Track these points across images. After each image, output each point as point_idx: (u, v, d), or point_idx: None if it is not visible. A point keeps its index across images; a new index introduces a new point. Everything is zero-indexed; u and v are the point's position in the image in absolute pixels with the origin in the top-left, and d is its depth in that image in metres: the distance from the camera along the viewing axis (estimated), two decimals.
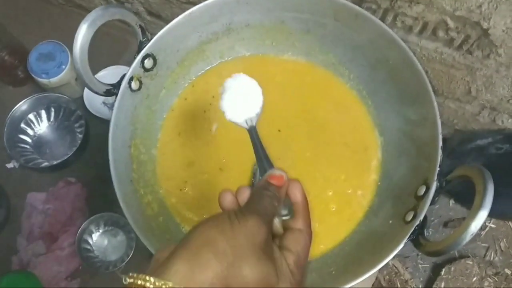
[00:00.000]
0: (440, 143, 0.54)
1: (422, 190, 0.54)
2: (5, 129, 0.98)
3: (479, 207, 0.46)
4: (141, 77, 0.60)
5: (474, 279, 0.89)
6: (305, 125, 0.65)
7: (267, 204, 0.38)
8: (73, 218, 0.98)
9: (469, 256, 0.84)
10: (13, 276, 0.92)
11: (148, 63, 0.61)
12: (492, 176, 0.81)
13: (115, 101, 0.58)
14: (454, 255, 0.91)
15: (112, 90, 0.58)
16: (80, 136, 0.97)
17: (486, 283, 0.90)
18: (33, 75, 0.95)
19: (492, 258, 0.88)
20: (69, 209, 0.98)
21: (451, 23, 0.64)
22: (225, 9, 0.62)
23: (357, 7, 0.60)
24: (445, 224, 0.93)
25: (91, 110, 0.91)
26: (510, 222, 0.94)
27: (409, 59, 0.58)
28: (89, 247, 0.97)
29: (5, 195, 1.00)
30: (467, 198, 0.95)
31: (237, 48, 0.67)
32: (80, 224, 0.96)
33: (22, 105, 1.00)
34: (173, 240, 0.58)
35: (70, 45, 0.93)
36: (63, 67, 0.85)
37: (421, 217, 0.52)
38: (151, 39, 0.60)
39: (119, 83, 0.59)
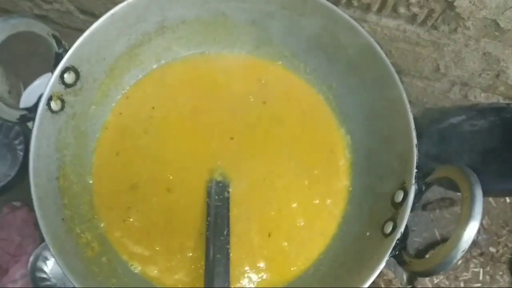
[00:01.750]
0: (415, 141, 0.48)
1: (400, 196, 0.48)
2: None
3: (469, 217, 0.40)
4: (62, 95, 0.51)
5: (460, 262, 0.86)
6: (261, 129, 0.57)
7: None
8: (23, 246, 0.92)
9: None
10: None
11: (69, 77, 0.52)
12: (469, 155, 0.77)
13: (32, 127, 0.49)
14: (436, 238, 0.88)
15: (27, 115, 0.49)
16: (21, 153, 0.89)
17: (472, 265, 0.87)
18: None
19: (476, 238, 0.85)
20: (17, 237, 0.91)
21: None
22: (153, 6, 0.53)
23: None
24: (424, 207, 0.90)
25: (30, 125, 0.82)
26: (490, 198, 0.92)
27: (368, 44, 0.51)
28: (45, 275, 0.91)
29: None
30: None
31: (175, 48, 0.58)
32: (32, 252, 0.89)
33: None
34: (120, 284, 0.50)
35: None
36: None
37: (402, 229, 0.46)
38: (69, 49, 0.50)
39: (35, 105, 0.49)
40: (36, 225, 0.91)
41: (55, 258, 0.47)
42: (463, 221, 0.40)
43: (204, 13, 0.56)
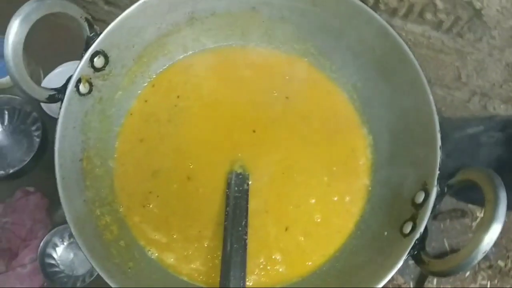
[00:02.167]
0: (439, 142, 0.48)
1: (421, 196, 0.48)
2: None
3: (492, 219, 0.40)
4: (91, 78, 0.52)
5: (468, 273, 0.86)
6: (283, 123, 0.57)
7: None
8: (34, 231, 0.92)
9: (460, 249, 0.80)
10: None
11: (98, 61, 0.52)
12: (485, 166, 0.76)
13: (60, 108, 0.49)
14: (445, 249, 0.87)
15: (56, 96, 0.50)
16: (38, 140, 0.90)
17: (480, 277, 0.86)
18: None
19: None
20: (29, 221, 0.92)
21: (440, 4, 0.60)
22: None
23: None
24: (435, 217, 0.90)
25: (48, 112, 0.83)
26: None
27: (398, 47, 0.51)
28: (53, 261, 0.91)
29: None
30: (460, 191, 0.91)
31: (203, 40, 0.59)
32: (42, 237, 0.89)
33: None
34: (137, 269, 0.50)
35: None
36: None
37: (421, 229, 0.46)
38: (101, 33, 0.51)
39: (64, 86, 0.50)
40: (48, 210, 0.91)
41: (75, 238, 0.47)
42: (485, 223, 0.40)
43: (234, 7, 0.57)
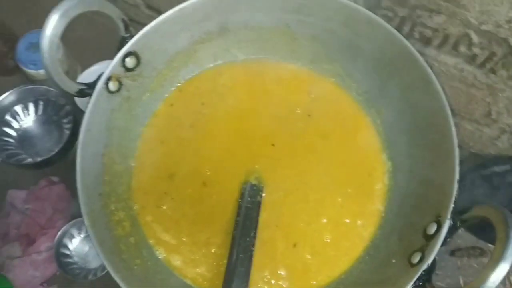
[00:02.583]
0: (457, 176, 0.47)
1: (433, 228, 0.47)
2: None
3: (500, 258, 0.39)
4: (121, 77, 0.54)
5: None
6: (302, 140, 0.58)
7: None
8: (53, 220, 0.94)
9: None
10: None
11: (130, 62, 0.54)
12: (508, 206, 0.75)
13: (88, 103, 0.51)
14: (460, 286, 0.85)
15: (86, 91, 0.52)
16: (68, 132, 0.92)
17: None
18: (20, 65, 0.90)
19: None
20: (50, 210, 0.94)
21: (475, 38, 0.60)
22: (221, 6, 0.55)
23: (370, 13, 0.53)
24: (452, 253, 0.88)
25: (81, 107, 0.85)
26: None
27: (426, 76, 0.51)
28: (68, 252, 0.92)
29: None
30: (479, 228, 0.89)
31: (233, 51, 0.60)
32: (60, 227, 0.91)
33: (9, 96, 0.95)
34: (143, 267, 0.51)
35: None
36: None
37: (429, 261, 0.45)
38: (135, 35, 0.53)
39: (95, 82, 0.52)
40: (69, 202, 0.94)
41: (87, 229, 0.49)
42: (493, 261, 0.39)
43: (268, 21, 0.58)
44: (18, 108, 0.97)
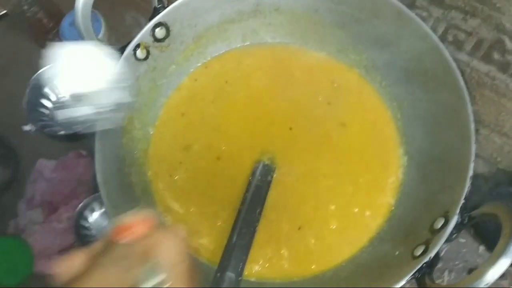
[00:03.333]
0: (471, 172, 0.46)
1: (440, 223, 0.46)
2: (28, 90, 0.97)
3: (501, 253, 0.38)
4: (149, 46, 0.55)
5: None
6: (320, 127, 0.58)
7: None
8: (76, 192, 0.96)
9: None
10: (6, 240, 0.91)
11: (160, 32, 0.56)
12: None
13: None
14: None
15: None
16: None
17: None
18: (62, 39, 0.93)
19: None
20: (75, 181, 0.96)
21: (509, 44, 0.59)
22: None
23: (402, 5, 0.53)
24: (470, 271, 0.85)
25: None
26: None
27: (452, 77, 0.50)
28: (87, 224, 0.94)
29: (16, 157, 0.99)
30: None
31: (262, 33, 0.61)
32: (83, 199, 0.93)
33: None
34: None
35: (106, 14, 0.90)
36: None
37: (432, 254, 0.44)
38: (167, 6, 0.54)
39: (123, 48, 0.54)
40: (94, 176, 0.96)
41: (99, 186, 0.50)
42: (495, 255, 0.38)
43: (298, 6, 0.58)
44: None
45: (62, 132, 0.98)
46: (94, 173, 0.96)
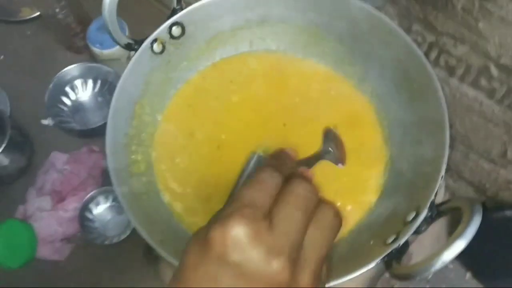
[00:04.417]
0: (442, 173, 0.51)
1: (411, 216, 0.51)
2: (50, 87, 1.04)
3: (458, 236, 0.42)
4: (165, 42, 0.62)
5: None
6: (312, 126, 0.63)
7: None
8: (85, 184, 1.01)
9: None
10: (13, 224, 0.95)
11: (176, 30, 0.62)
12: None
13: (133, 55, 0.59)
14: None
15: (133, 45, 0.60)
16: None
17: None
18: (88, 43, 1.00)
19: None
20: (84, 174, 1.01)
21: (494, 71, 0.61)
22: (262, 1, 0.63)
23: (392, 23, 0.58)
24: None
25: None
26: None
27: (432, 86, 0.55)
28: (92, 216, 0.99)
29: (31, 147, 1.05)
30: (486, 274, 0.88)
31: (268, 41, 0.67)
32: (90, 192, 0.98)
33: (73, 70, 1.06)
34: (147, 203, 0.57)
35: (131, 23, 0.97)
36: None
37: (401, 242, 0.49)
38: (184, 8, 0.61)
39: (142, 41, 0.60)
40: (103, 171, 1.02)
41: (107, 157, 0.55)
42: (452, 238, 0.42)
43: (300, 20, 0.64)
44: (78, 82, 1.08)
45: (77, 128, 1.05)
46: (103, 168, 1.01)
